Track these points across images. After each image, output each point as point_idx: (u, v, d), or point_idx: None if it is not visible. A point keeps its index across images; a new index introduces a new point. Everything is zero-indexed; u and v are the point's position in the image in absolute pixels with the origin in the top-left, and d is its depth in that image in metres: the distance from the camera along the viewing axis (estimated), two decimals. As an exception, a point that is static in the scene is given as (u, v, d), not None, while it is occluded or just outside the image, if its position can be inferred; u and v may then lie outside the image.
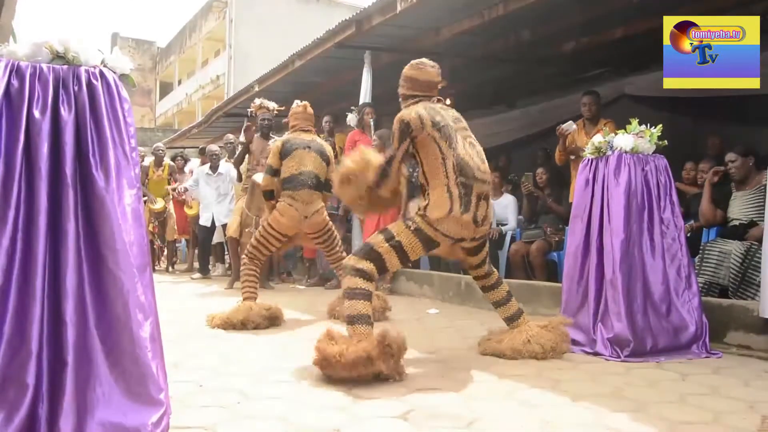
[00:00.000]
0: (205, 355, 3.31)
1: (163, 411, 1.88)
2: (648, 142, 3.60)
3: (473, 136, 3.20)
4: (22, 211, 1.77)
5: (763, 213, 3.69)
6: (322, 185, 4.60)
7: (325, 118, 7.34)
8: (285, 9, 22.55)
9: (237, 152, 7.56)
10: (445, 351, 3.45)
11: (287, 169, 4.50)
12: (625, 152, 3.54)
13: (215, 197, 8.05)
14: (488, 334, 3.47)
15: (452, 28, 6.23)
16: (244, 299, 4.36)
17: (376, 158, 3.13)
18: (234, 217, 7.19)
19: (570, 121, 5.24)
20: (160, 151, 9.38)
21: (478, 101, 8.60)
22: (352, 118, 7.17)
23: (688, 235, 4.33)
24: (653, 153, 3.63)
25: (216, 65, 25.12)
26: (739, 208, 4.30)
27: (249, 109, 7.07)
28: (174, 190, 8.92)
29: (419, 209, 3.00)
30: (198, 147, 11.39)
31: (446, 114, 3.09)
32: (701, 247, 4.20)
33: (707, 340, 3.40)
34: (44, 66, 1.86)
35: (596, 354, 3.33)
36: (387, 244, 2.94)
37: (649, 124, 3.66)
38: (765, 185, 4.15)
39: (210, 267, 8.75)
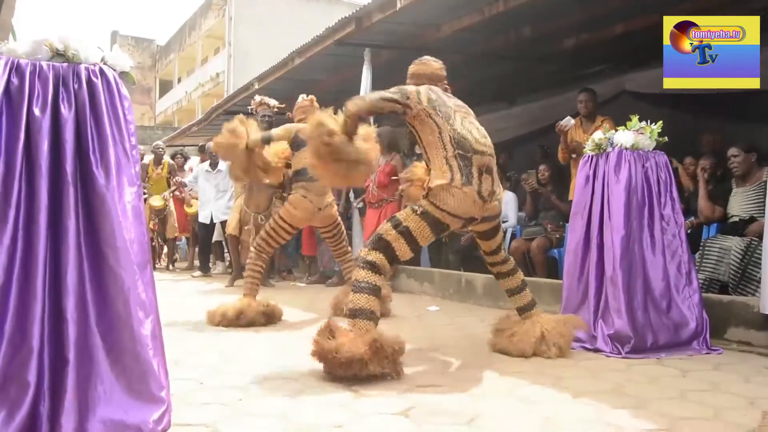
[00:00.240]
0: (205, 353, 3.31)
1: (165, 408, 1.88)
2: (648, 138, 3.59)
3: (476, 120, 3.14)
4: (23, 209, 1.77)
5: (763, 209, 3.69)
6: None
7: (326, 117, 7.31)
8: (284, 7, 22.54)
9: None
10: (445, 348, 3.45)
11: (300, 161, 4.34)
12: (626, 149, 3.53)
13: (214, 194, 8.06)
14: (499, 322, 3.42)
15: (452, 24, 6.21)
16: (244, 295, 4.37)
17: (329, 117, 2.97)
18: (233, 215, 7.20)
19: (568, 117, 5.23)
20: (160, 149, 9.39)
21: (478, 98, 8.54)
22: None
23: (689, 231, 4.33)
24: (653, 150, 3.63)
25: (216, 63, 25.11)
26: (739, 205, 4.31)
27: (249, 107, 7.06)
28: (174, 183, 8.93)
29: (424, 189, 2.96)
30: (198, 145, 11.38)
31: (448, 99, 3.07)
32: (701, 244, 4.21)
33: (708, 336, 3.41)
34: (44, 64, 1.85)
35: (597, 350, 3.33)
36: (395, 231, 2.88)
37: (649, 121, 3.65)
38: (765, 182, 4.16)
39: (210, 265, 8.76)
